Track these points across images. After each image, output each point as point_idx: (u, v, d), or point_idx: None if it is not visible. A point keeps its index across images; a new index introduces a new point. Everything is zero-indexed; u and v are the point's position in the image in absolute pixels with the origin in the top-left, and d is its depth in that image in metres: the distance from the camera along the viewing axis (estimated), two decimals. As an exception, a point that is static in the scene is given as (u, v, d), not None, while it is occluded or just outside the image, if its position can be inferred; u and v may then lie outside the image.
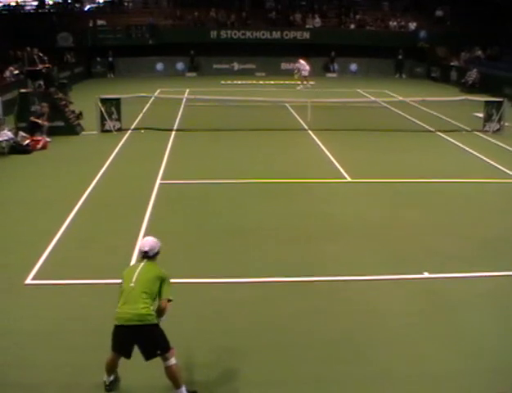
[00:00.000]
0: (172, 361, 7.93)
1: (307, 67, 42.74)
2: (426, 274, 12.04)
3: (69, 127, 25.05)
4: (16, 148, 21.77)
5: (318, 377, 8.66)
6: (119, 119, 25.81)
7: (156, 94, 33.67)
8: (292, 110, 30.95)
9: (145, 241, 8.39)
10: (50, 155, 21.96)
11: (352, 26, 52.40)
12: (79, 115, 26.99)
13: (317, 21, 51.81)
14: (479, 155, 22.11)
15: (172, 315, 9.03)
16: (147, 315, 7.78)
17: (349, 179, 18.80)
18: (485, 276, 12.08)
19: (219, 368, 8.86)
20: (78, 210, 15.61)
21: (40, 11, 53.31)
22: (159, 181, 18.29)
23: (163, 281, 7.99)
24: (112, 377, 8.30)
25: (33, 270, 11.92)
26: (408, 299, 11.15)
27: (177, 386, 7.97)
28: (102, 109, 25.43)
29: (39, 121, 23.60)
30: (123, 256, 12.48)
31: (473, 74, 41.48)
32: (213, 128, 26.18)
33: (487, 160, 21.46)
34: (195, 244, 13.64)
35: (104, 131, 25.44)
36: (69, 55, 45.61)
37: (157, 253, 8.29)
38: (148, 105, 30.65)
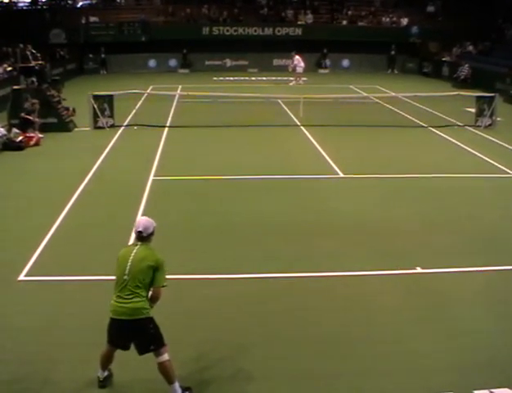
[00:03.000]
0: (165, 357, 7.89)
1: (302, 64, 42.67)
2: (419, 269, 12.10)
3: (61, 123, 25.01)
4: (9, 145, 21.73)
5: (312, 372, 8.70)
6: (111, 116, 25.80)
7: (149, 91, 33.62)
8: (284, 106, 30.95)
9: (139, 221, 8.19)
10: (43, 151, 21.95)
11: (344, 22, 52.43)
12: (73, 112, 27.00)
13: (309, 17, 51.79)
14: (471, 151, 22.20)
15: (165, 311, 9.07)
16: (142, 309, 7.74)
17: (342, 175, 18.84)
18: (478, 270, 12.13)
19: (212, 364, 8.91)
20: (71, 206, 15.63)
21: (33, 7, 53.20)
22: (152, 177, 18.31)
23: (156, 269, 7.80)
24: (106, 373, 8.29)
25: (26, 266, 11.94)
26: (401, 294, 11.19)
27: (169, 381, 7.94)
28: (95, 105, 25.40)
29: (30, 118, 23.56)
30: (116, 253, 12.47)
31: (464, 70, 41.56)
32: (205, 124, 26.18)
33: (479, 155, 21.55)
34: (188, 240, 13.67)
35: (97, 128, 25.43)
36: (61, 51, 45.48)
37: (151, 233, 8.09)
38: (141, 101, 30.62)
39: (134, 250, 7.96)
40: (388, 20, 52.21)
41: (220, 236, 13.92)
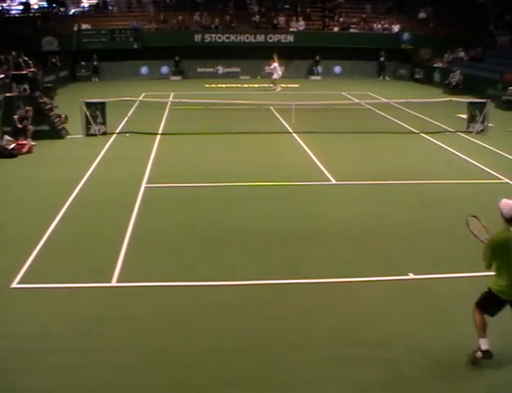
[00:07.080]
0: None
1: (279, 71, 42.43)
2: (411, 275, 12.12)
3: (54, 131, 24.99)
4: (1, 152, 21.71)
5: (305, 378, 8.72)
6: (103, 123, 25.78)
7: (141, 98, 33.62)
8: (276, 113, 30.95)
9: (510, 207, 8.63)
10: (35, 158, 21.92)
11: (336, 29, 52.48)
12: (66, 119, 26.97)
13: (301, 24, 51.80)
14: (463, 156, 22.26)
15: (159, 318, 9.09)
16: None
17: (334, 181, 18.85)
18: (470, 276, 12.10)
19: (204, 370, 8.90)
20: (63, 214, 15.62)
21: (25, 15, 53.13)
22: (144, 184, 18.29)
23: None
24: (487, 344, 8.78)
25: (19, 274, 11.91)
26: (394, 300, 11.23)
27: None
28: (87, 113, 25.38)
29: (19, 126, 23.53)
30: (108, 260, 12.53)
31: (456, 76, 41.67)
32: (197, 131, 26.19)
33: (471, 160, 21.61)
34: (181, 247, 13.65)
35: (89, 135, 25.40)
36: (53, 59, 45.45)
37: None
38: (133, 109, 30.62)
39: None
40: (379, 26, 52.27)
41: (212, 243, 13.91)
